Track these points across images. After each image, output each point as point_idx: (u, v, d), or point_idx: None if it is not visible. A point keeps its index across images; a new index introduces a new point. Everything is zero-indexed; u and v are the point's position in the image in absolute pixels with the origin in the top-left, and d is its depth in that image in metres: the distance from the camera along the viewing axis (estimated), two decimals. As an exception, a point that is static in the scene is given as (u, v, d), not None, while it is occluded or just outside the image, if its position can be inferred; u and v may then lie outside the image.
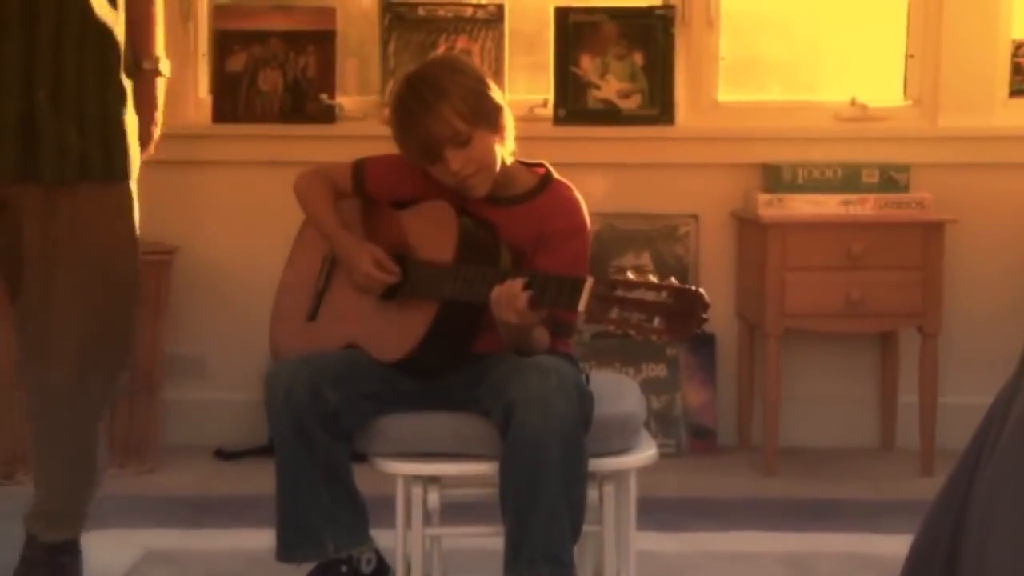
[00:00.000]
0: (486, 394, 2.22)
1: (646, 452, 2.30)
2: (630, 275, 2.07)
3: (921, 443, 3.64)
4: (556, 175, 2.40)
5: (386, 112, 2.36)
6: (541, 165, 2.41)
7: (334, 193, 2.42)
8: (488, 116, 2.28)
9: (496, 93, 2.32)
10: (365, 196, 2.43)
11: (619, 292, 2.03)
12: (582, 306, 2.07)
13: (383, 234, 2.38)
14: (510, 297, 2.12)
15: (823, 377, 3.92)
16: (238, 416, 3.79)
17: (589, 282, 2.07)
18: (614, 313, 2.03)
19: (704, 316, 2.02)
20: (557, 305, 2.13)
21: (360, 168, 2.43)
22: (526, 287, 2.12)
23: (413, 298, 2.29)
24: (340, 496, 2.27)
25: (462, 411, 2.27)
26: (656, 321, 2.01)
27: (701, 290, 2.03)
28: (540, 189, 2.36)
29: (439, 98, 2.24)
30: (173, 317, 3.80)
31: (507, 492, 2.15)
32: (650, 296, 2.01)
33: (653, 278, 2.05)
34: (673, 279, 2.05)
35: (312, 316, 2.41)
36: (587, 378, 2.32)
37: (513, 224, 2.31)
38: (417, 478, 2.26)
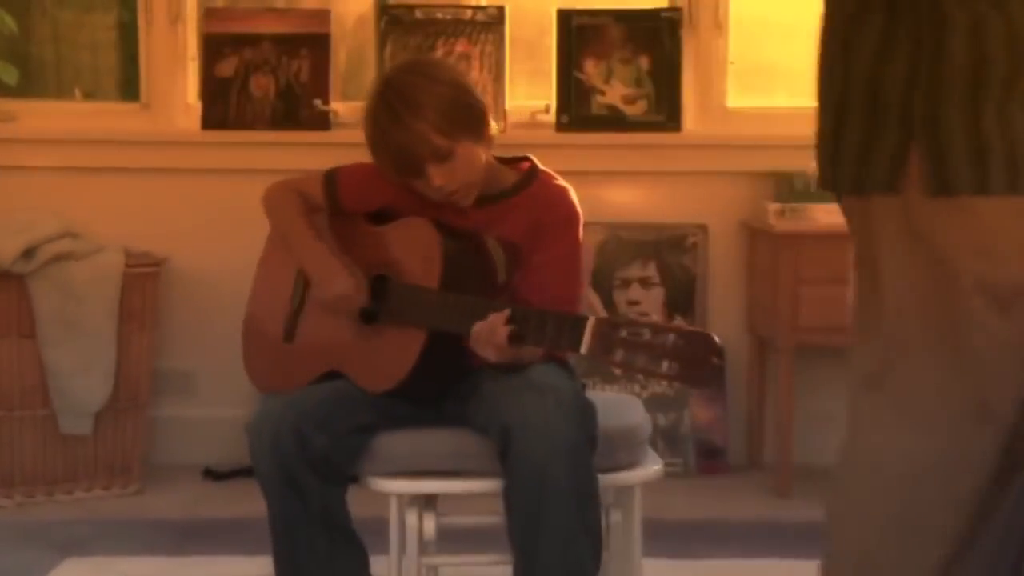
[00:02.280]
0: (478, 411, 2.11)
1: (651, 467, 2.22)
2: (633, 316, 1.95)
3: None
4: (541, 166, 2.29)
5: (361, 123, 2.23)
6: (525, 159, 2.30)
7: (305, 206, 2.29)
8: (470, 125, 2.15)
9: (477, 95, 2.20)
10: (338, 208, 2.29)
11: (624, 333, 1.90)
12: (584, 348, 1.95)
13: (359, 253, 2.25)
14: (490, 332, 2.01)
15: (838, 393, 3.72)
16: (228, 434, 3.64)
17: (591, 321, 1.96)
18: (618, 355, 1.92)
19: (716, 361, 1.89)
20: (558, 345, 2.02)
21: (332, 179, 2.29)
22: (508, 321, 2.00)
23: (397, 323, 2.16)
24: (338, 540, 2.16)
25: (457, 427, 2.16)
26: (664, 365, 1.89)
27: (712, 334, 1.89)
28: (527, 181, 2.26)
29: (414, 114, 2.11)
30: (161, 331, 3.70)
31: (513, 524, 2.04)
32: (657, 339, 1.88)
33: (655, 318, 1.94)
34: (680, 320, 1.93)
35: (288, 338, 2.27)
36: (583, 386, 2.22)
37: (502, 220, 2.21)
38: (413, 499, 2.16)
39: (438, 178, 2.12)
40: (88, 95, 4.18)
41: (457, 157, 2.13)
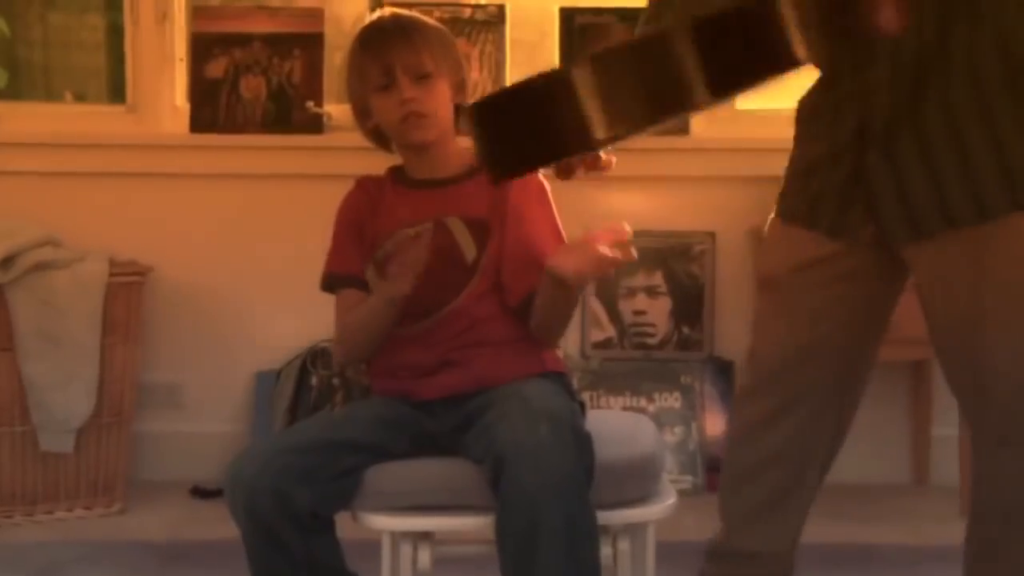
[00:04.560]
0: (474, 441, 2.00)
1: (665, 502, 2.09)
2: None
3: (960, 480, 3.42)
4: None
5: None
6: None
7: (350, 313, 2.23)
8: (454, 73, 2.20)
9: (465, 70, 2.26)
10: (351, 280, 2.23)
11: None
12: None
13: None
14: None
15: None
16: (217, 450, 3.59)
17: None
18: None
19: None
20: None
21: (327, 275, 2.25)
22: None
23: None
24: None
25: (452, 458, 2.06)
26: None
27: None
28: None
29: (416, 31, 2.18)
30: (146, 343, 3.62)
31: (506, 560, 1.92)
32: None
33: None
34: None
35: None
36: (582, 405, 2.13)
37: (467, 197, 2.19)
38: (407, 534, 2.03)
39: (409, 90, 2.13)
40: (79, 98, 4.11)
41: (435, 86, 2.16)
